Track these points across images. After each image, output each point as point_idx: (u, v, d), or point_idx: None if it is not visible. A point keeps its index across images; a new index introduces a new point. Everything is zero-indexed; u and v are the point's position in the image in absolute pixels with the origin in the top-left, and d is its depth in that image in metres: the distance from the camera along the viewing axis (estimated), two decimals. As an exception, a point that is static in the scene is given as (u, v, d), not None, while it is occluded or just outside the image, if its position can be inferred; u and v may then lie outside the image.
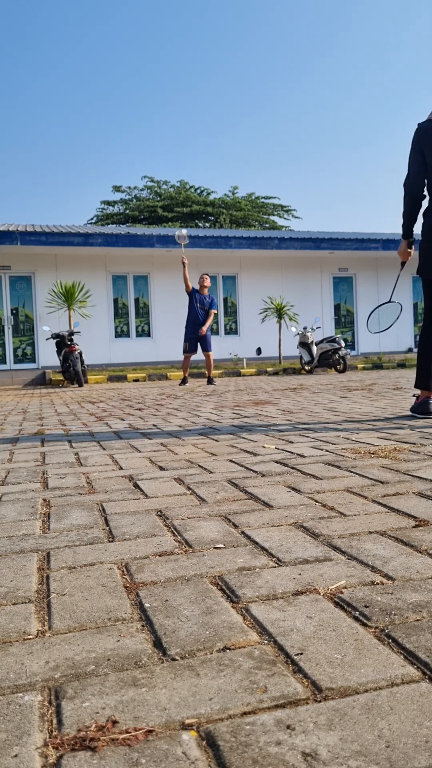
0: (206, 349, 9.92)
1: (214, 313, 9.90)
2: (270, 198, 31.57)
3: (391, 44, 75.57)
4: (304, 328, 13.10)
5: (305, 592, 1.10)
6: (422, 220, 3.77)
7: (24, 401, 7.61)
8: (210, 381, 9.88)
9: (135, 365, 15.46)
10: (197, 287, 9.96)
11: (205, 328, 9.71)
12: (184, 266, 9.92)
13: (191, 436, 3.37)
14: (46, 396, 8.68)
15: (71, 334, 11.50)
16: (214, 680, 0.81)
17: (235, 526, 1.55)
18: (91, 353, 14.85)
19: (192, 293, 9.88)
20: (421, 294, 12.25)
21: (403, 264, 4.07)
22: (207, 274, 10.07)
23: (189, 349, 9.87)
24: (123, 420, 4.49)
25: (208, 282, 9.90)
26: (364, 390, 6.72)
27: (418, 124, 3.70)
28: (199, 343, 9.91)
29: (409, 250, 3.98)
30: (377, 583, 1.12)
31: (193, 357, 10.14)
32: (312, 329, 13.07)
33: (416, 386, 3.74)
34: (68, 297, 13.30)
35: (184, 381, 9.92)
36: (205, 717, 0.73)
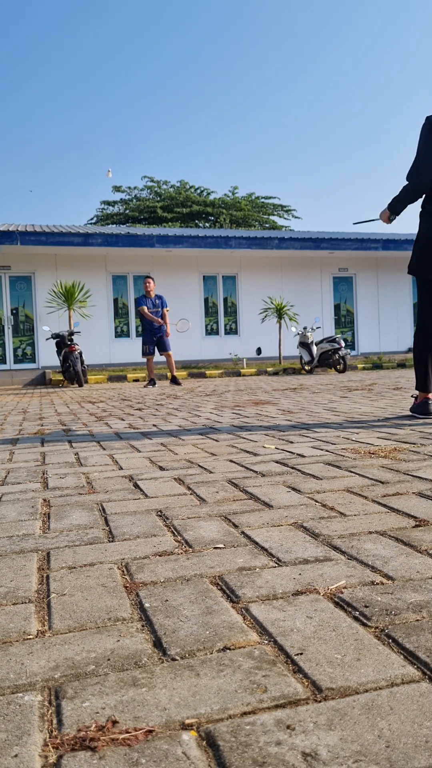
0: (165, 349, 9.93)
1: (168, 311, 10.04)
2: (270, 198, 31.57)
3: (391, 42, 75.58)
4: (304, 328, 13.10)
5: (305, 592, 1.10)
6: (419, 221, 3.74)
7: (24, 401, 7.61)
8: (174, 380, 9.81)
9: (135, 365, 15.45)
10: (144, 294, 9.95)
11: (169, 329, 9.98)
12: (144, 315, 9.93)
13: (191, 436, 3.37)
14: (46, 396, 8.68)
15: (71, 334, 11.50)
16: (214, 680, 0.81)
17: (235, 526, 1.55)
18: (91, 353, 14.85)
19: (141, 302, 9.85)
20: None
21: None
22: (150, 278, 10.01)
23: (149, 351, 9.96)
24: (123, 420, 4.49)
25: (151, 286, 9.91)
26: (364, 390, 6.72)
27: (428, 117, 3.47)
28: (156, 347, 9.95)
29: (390, 217, 3.81)
30: (377, 583, 1.12)
31: (156, 359, 10.37)
32: (312, 329, 13.08)
33: (417, 388, 3.74)
34: (68, 297, 13.31)
35: (152, 382, 9.90)
36: (205, 717, 0.73)
